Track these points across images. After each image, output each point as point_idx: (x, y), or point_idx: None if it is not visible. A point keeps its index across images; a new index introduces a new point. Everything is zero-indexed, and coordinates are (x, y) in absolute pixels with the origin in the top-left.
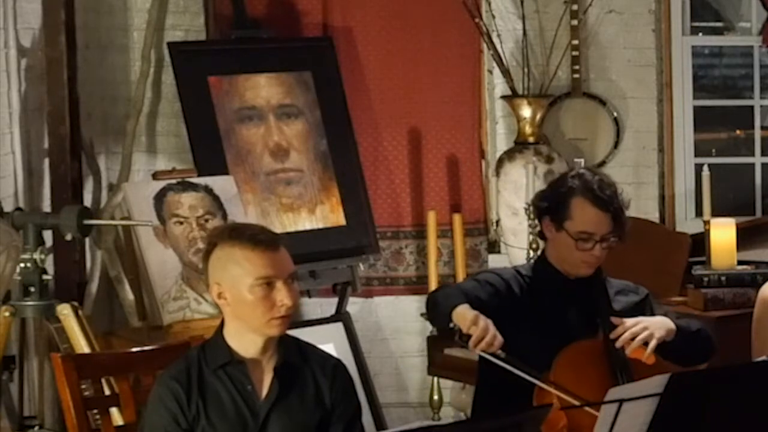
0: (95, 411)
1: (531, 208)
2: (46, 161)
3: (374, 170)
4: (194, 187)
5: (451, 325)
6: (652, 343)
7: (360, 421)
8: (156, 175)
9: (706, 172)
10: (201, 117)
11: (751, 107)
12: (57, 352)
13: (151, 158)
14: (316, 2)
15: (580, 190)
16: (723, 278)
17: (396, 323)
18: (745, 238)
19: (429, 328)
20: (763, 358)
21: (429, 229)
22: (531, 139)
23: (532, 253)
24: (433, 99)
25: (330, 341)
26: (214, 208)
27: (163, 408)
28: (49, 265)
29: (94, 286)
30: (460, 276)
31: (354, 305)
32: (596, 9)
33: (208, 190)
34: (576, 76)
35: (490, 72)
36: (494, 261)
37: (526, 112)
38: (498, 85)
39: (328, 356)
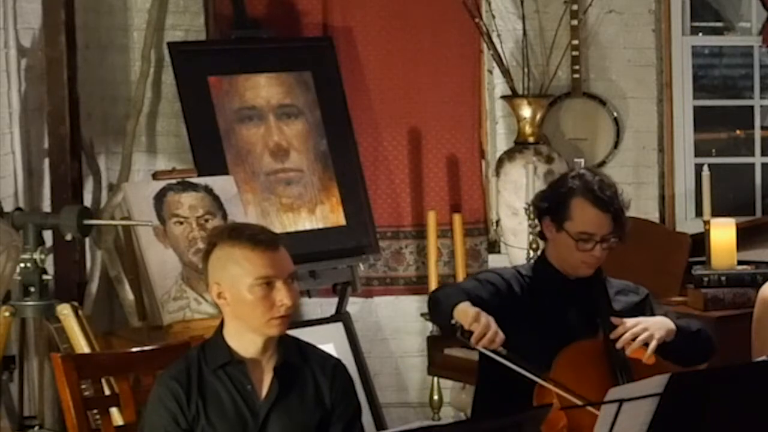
0: (95, 411)
1: (531, 208)
2: (46, 161)
3: (374, 170)
4: (194, 187)
5: (453, 321)
6: (653, 344)
7: (360, 421)
8: (156, 175)
9: (706, 172)
10: (201, 117)
11: (751, 107)
12: (57, 352)
13: (151, 158)
14: (316, 2)
15: (581, 190)
16: (723, 278)
17: (396, 323)
18: (745, 238)
19: (429, 328)
20: (763, 358)
21: (429, 229)
22: (531, 139)
23: (532, 253)
24: (433, 99)
25: (330, 341)
26: (214, 208)
27: (162, 408)
28: (49, 265)
29: (94, 286)
30: (460, 276)
31: (354, 305)
32: (596, 9)
33: (208, 190)
34: (576, 76)
35: (490, 72)
36: (494, 261)
37: (526, 112)
38: (498, 85)
39: (327, 356)
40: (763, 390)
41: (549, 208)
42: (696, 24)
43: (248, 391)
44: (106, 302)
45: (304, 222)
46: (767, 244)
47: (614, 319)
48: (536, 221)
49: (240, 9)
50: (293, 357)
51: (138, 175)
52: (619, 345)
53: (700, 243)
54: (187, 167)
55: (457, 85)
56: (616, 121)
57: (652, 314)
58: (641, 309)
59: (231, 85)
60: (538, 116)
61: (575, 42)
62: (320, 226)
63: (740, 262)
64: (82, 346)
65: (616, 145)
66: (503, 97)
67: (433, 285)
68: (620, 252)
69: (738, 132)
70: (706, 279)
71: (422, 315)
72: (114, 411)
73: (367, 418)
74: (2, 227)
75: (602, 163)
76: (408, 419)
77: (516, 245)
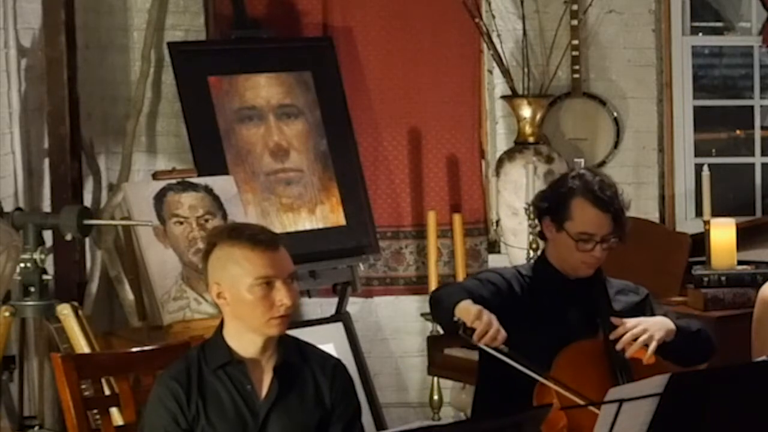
0: (95, 411)
1: (531, 208)
2: (46, 161)
3: (374, 170)
4: (194, 187)
5: (456, 318)
6: (652, 345)
7: (360, 421)
8: (156, 175)
9: (706, 172)
10: (201, 117)
11: (751, 107)
12: (57, 352)
13: (151, 158)
14: (316, 2)
15: (581, 190)
16: (723, 278)
17: (396, 323)
18: (745, 238)
19: (429, 328)
20: (763, 358)
21: (429, 229)
22: (531, 139)
23: (532, 253)
24: (433, 99)
25: (330, 341)
26: (214, 208)
27: (162, 408)
28: (49, 265)
29: (94, 286)
30: (460, 276)
31: (354, 305)
32: (596, 9)
33: (208, 190)
34: (576, 76)
35: (490, 72)
36: (494, 261)
37: (526, 112)
38: (498, 85)
39: (327, 356)
40: (763, 390)
41: (549, 208)
42: (696, 24)
43: (248, 391)
44: (106, 302)
45: (304, 222)
46: (767, 244)
47: (614, 320)
48: (536, 221)
49: (240, 9)
50: (293, 357)
51: (138, 175)
52: (619, 346)
53: (700, 243)
54: (187, 167)
55: (457, 85)
56: (616, 121)
57: (652, 314)
58: (641, 309)
59: (231, 85)
60: (538, 116)
61: (575, 42)
62: (320, 226)
63: (740, 262)
64: (82, 346)
65: (616, 145)
66: (503, 97)
67: (433, 285)
68: (620, 252)
69: (738, 132)
70: (706, 279)
71: (422, 315)
72: (114, 411)
73: (367, 418)
74: (2, 227)
75: (602, 163)
76: (408, 419)
77: (516, 245)
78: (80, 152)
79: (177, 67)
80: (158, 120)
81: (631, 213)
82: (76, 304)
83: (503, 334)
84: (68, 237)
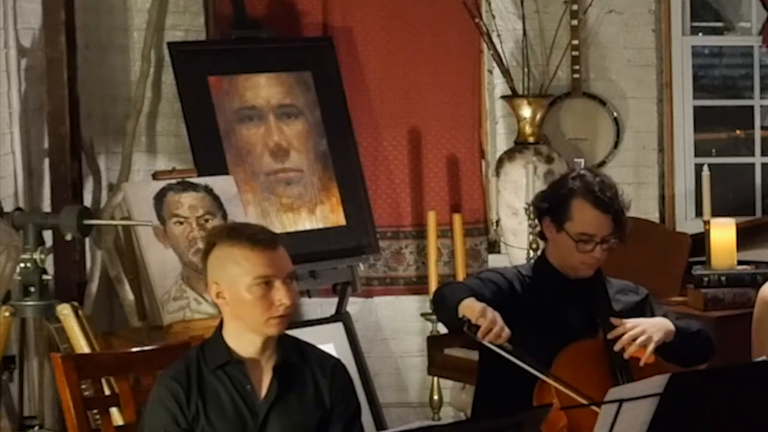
0: (95, 411)
1: (531, 209)
2: (46, 161)
3: (374, 170)
4: (194, 187)
5: (460, 316)
6: (650, 347)
7: (359, 421)
8: (156, 175)
9: (706, 172)
10: (201, 117)
11: (751, 107)
12: (57, 352)
13: (151, 158)
14: (316, 2)
15: (581, 191)
16: (723, 278)
17: (396, 323)
18: (745, 238)
19: (429, 328)
20: (763, 358)
21: (429, 229)
22: (531, 139)
23: (532, 253)
24: (433, 99)
25: (330, 341)
26: (214, 208)
27: (162, 408)
28: (49, 265)
29: (94, 286)
30: (460, 276)
31: (354, 305)
32: (596, 9)
33: (208, 190)
34: (576, 76)
35: (490, 72)
36: (494, 261)
37: (526, 112)
38: (498, 85)
39: (327, 356)
40: (763, 390)
41: (549, 208)
42: (696, 24)
43: (248, 391)
44: (106, 302)
45: (304, 222)
46: (767, 244)
47: (614, 320)
48: (536, 221)
49: (240, 9)
50: (292, 357)
51: (138, 175)
52: (617, 347)
53: (700, 243)
54: (187, 167)
55: (457, 85)
56: (616, 121)
57: (652, 314)
58: (641, 309)
59: (231, 85)
60: (538, 116)
61: (575, 42)
62: (320, 226)
63: (740, 262)
64: (82, 346)
65: (616, 145)
66: (503, 97)
67: (433, 285)
68: (620, 252)
69: (738, 132)
70: (706, 279)
71: (422, 315)
72: (114, 411)
73: (367, 418)
74: (2, 227)
75: (602, 163)
76: (408, 419)
77: (516, 245)
78: (80, 152)
79: (177, 67)
80: (158, 120)
81: (631, 213)
82: (76, 304)
83: (507, 331)
84: (68, 237)
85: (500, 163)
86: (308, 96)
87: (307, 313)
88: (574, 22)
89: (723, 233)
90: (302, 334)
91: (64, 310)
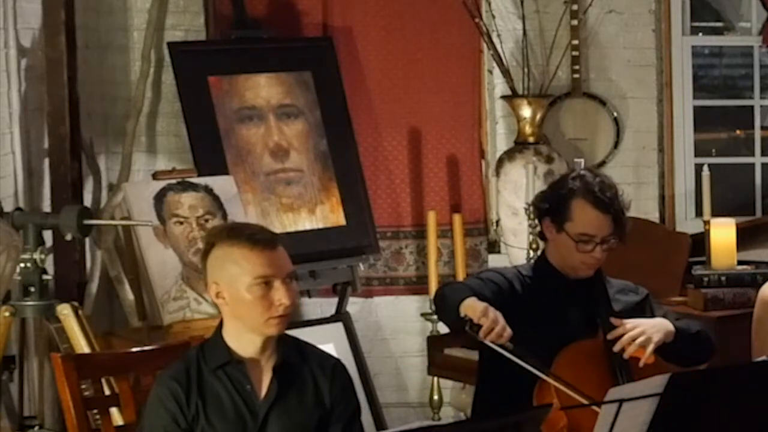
0: (95, 411)
1: (531, 209)
2: (46, 161)
3: (374, 170)
4: (194, 187)
5: (462, 315)
6: (650, 348)
7: (359, 421)
8: (156, 175)
9: (706, 172)
10: (201, 117)
11: (751, 107)
12: (57, 352)
13: (151, 158)
14: (316, 2)
15: (581, 191)
16: (723, 278)
17: (396, 323)
18: (745, 238)
19: (429, 328)
20: (763, 358)
21: (429, 229)
22: (531, 139)
23: (532, 253)
24: (433, 99)
25: (330, 341)
26: (214, 208)
27: (162, 408)
28: (49, 265)
29: (94, 286)
30: (460, 276)
31: (354, 305)
32: (596, 9)
33: (208, 190)
34: (576, 76)
35: (490, 72)
36: (494, 261)
37: (526, 112)
38: (498, 85)
39: (327, 356)
40: (763, 390)
41: (549, 208)
42: (696, 24)
43: (247, 391)
44: (106, 302)
45: (304, 222)
46: (767, 244)
47: (614, 320)
48: (536, 221)
49: (240, 9)
50: (292, 357)
51: (138, 175)
52: (616, 347)
53: (700, 243)
54: (187, 167)
55: (457, 85)
56: (616, 121)
57: (652, 314)
58: (641, 309)
59: (231, 85)
60: (538, 116)
61: (575, 42)
62: (320, 226)
63: (740, 262)
64: (82, 346)
65: (616, 145)
66: (503, 97)
67: (433, 285)
68: (620, 252)
69: (738, 132)
70: (706, 279)
71: (422, 315)
72: (114, 411)
73: (367, 418)
74: (2, 227)
75: (602, 163)
76: (408, 419)
77: (516, 245)
78: (80, 152)
79: (177, 67)
80: (158, 120)
81: (631, 213)
82: (76, 304)
83: (509, 331)
84: (68, 237)
85: (500, 163)
86: (308, 96)
87: (307, 313)
88: (574, 22)
89: (723, 233)
90: (302, 334)
91: (64, 310)
